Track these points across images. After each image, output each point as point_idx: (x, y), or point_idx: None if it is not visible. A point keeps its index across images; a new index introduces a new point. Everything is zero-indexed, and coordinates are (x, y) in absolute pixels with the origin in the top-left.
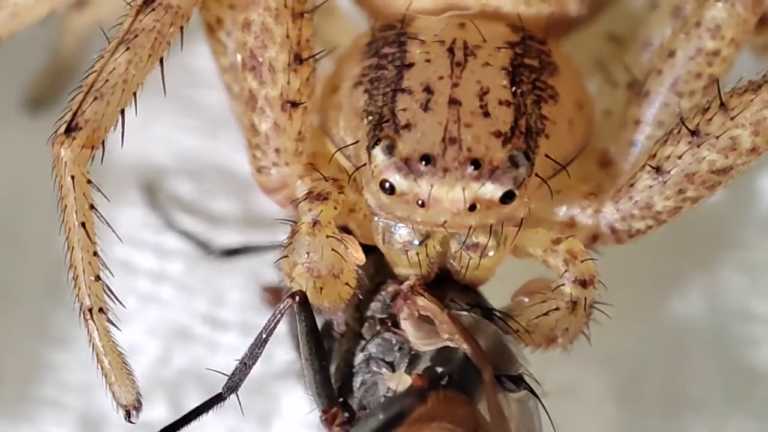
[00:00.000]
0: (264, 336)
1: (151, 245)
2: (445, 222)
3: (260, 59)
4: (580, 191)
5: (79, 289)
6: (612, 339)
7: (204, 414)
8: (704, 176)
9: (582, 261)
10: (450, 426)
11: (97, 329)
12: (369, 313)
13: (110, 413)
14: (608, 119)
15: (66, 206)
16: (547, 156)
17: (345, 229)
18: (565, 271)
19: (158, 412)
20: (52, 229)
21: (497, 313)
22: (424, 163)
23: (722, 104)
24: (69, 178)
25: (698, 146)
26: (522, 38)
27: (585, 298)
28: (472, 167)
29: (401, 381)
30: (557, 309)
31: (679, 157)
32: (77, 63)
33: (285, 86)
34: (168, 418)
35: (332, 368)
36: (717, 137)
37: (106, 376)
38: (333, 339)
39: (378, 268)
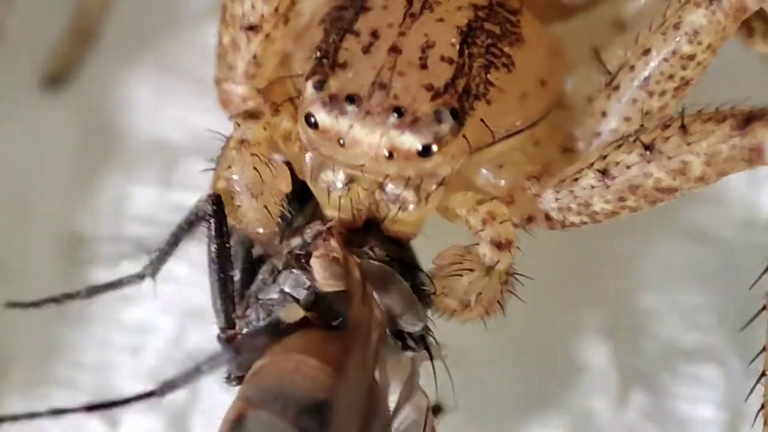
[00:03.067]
0: (178, 232)
1: (166, 224)
2: (363, 165)
3: None
4: (525, 170)
5: None
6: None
7: None
8: (647, 191)
9: (501, 222)
10: (315, 362)
11: None
12: (288, 248)
13: (124, 393)
14: (589, 106)
15: None
16: (482, 121)
17: (287, 163)
18: (482, 230)
19: None
20: (67, 206)
21: (420, 270)
22: (349, 102)
23: (683, 126)
24: None
25: (649, 162)
26: (490, 3)
27: (498, 262)
28: (396, 115)
29: (293, 312)
30: (471, 270)
31: (628, 167)
32: (99, 27)
33: (249, 9)
34: (182, 396)
35: (246, 295)
36: (669, 158)
37: None
38: (253, 265)
39: (312, 208)
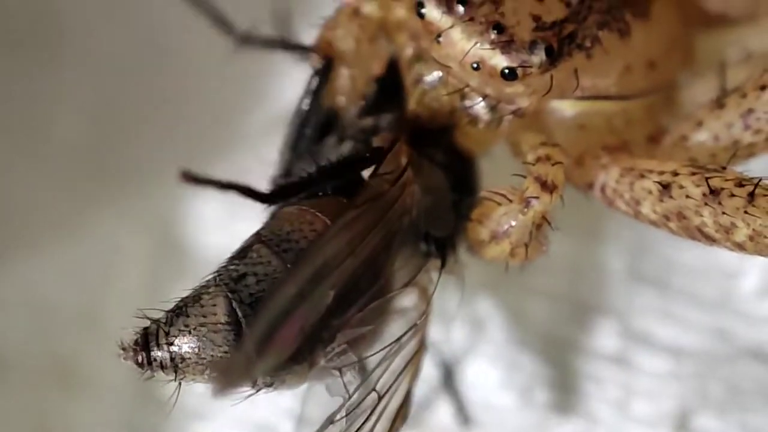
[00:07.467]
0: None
1: None
2: (450, 68)
3: None
4: (604, 140)
5: None
6: None
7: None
8: (690, 226)
9: (553, 164)
10: (328, 222)
11: None
12: (360, 124)
13: None
14: (692, 111)
15: None
16: (575, 72)
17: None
18: (533, 164)
19: None
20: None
21: (470, 193)
22: (459, 2)
23: (751, 195)
24: None
25: (705, 204)
26: None
27: (538, 199)
28: (495, 31)
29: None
30: (510, 201)
31: (687, 196)
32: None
33: None
34: None
35: (311, 151)
36: (723, 213)
37: None
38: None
39: (398, 104)
